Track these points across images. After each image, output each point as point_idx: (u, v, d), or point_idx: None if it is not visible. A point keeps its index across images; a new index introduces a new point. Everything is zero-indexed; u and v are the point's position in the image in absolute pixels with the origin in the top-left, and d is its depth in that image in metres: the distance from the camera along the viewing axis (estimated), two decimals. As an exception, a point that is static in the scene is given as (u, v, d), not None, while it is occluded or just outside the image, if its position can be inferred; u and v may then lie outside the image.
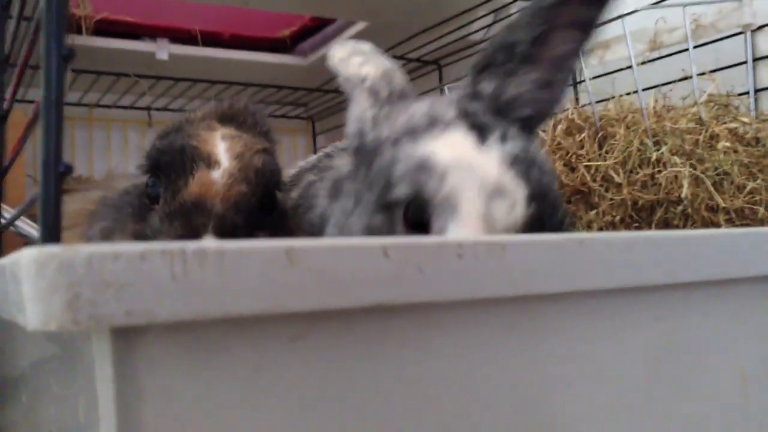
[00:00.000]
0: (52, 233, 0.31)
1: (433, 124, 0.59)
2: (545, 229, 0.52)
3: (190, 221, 0.51)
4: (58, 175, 0.31)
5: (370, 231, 0.56)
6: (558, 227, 0.54)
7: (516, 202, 0.52)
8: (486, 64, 0.62)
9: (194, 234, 0.50)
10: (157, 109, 1.99)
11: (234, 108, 0.67)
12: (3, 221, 0.63)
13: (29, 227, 0.63)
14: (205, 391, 0.34)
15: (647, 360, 0.46)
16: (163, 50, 1.72)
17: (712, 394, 0.49)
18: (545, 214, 0.53)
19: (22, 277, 0.30)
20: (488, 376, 0.40)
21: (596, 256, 0.41)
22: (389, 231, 0.55)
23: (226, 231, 0.51)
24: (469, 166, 0.53)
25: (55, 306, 0.29)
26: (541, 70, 0.62)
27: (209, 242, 0.32)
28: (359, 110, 0.64)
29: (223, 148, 0.56)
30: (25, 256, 0.30)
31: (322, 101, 2.11)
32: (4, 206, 0.66)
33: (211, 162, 0.54)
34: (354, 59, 0.67)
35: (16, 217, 0.56)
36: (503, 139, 0.56)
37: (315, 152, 2.34)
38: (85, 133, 1.98)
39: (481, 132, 0.56)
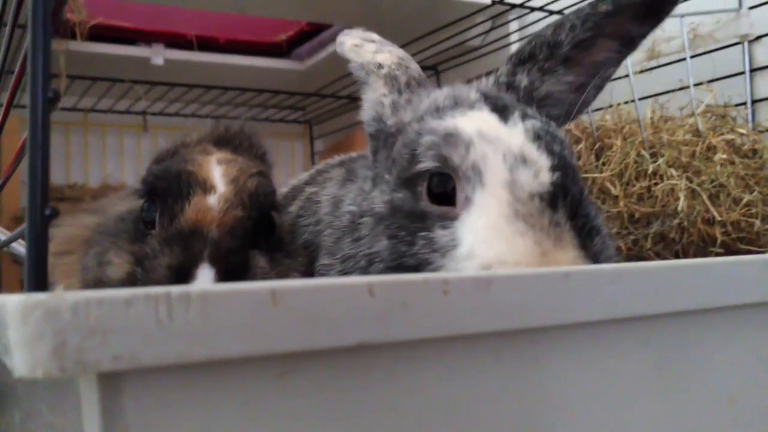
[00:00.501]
0: (39, 277, 0.31)
1: (457, 104, 0.60)
2: (567, 198, 0.53)
3: (187, 248, 0.51)
4: (44, 219, 0.31)
5: (393, 206, 0.57)
6: (579, 197, 0.54)
7: (540, 169, 0.53)
8: (527, 56, 0.64)
9: (191, 260, 0.50)
10: (153, 114, 1.99)
11: (230, 131, 0.67)
12: (-3, 241, 0.63)
13: (23, 248, 0.63)
14: (194, 429, 0.34)
15: (635, 387, 0.46)
16: (158, 55, 1.72)
17: (700, 419, 0.50)
18: (568, 182, 0.53)
19: (9, 323, 0.30)
20: (475, 410, 0.40)
21: (582, 288, 0.41)
22: (413, 205, 0.55)
23: (221, 257, 0.51)
24: (494, 137, 0.54)
25: (41, 353, 0.29)
26: (577, 74, 0.64)
27: (194, 286, 0.32)
28: (376, 96, 0.65)
29: (218, 173, 0.56)
30: (11, 302, 0.30)
31: (319, 105, 2.11)
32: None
33: (206, 187, 0.55)
34: (367, 46, 0.68)
35: (8, 242, 0.56)
36: (524, 117, 0.57)
37: (312, 156, 2.33)
38: (80, 138, 1.98)
39: (503, 112, 0.58)
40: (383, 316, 0.36)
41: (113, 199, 0.75)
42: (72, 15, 1.55)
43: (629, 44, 0.63)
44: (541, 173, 0.53)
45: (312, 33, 1.81)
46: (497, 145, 0.54)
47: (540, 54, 0.63)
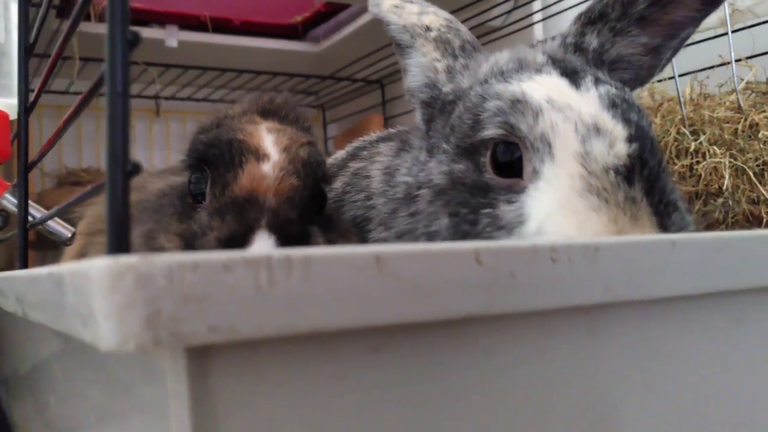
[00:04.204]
0: (121, 240, 0.28)
1: (522, 67, 0.56)
2: (645, 171, 0.49)
3: (243, 216, 0.48)
4: (126, 175, 0.28)
5: (453, 178, 0.53)
6: (657, 170, 0.50)
7: (615, 139, 0.49)
8: (597, 15, 0.59)
9: (247, 230, 0.47)
10: (166, 98, 1.95)
11: (275, 102, 0.64)
12: (31, 219, 0.60)
13: (59, 225, 0.60)
14: (282, 405, 0.31)
15: (727, 366, 0.44)
16: (172, 37, 1.67)
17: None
18: (645, 154, 0.49)
19: (94, 291, 0.27)
20: (574, 386, 0.37)
21: (688, 258, 0.39)
22: (475, 177, 0.52)
23: (280, 226, 0.48)
24: (564, 104, 0.50)
25: (133, 323, 0.26)
26: (652, 35, 0.59)
27: (294, 250, 0.29)
28: (426, 61, 0.61)
29: (270, 141, 0.53)
30: (97, 266, 0.27)
31: (334, 89, 2.07)
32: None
33: (260, 155, 0.51)
34: (409, 7, 0.64)
35: (49, 217, 0.52)
36: (597, 82, 0.53)
37: (325, 141, 2.29)
38: (92, 122, 1.93)
39: (573, 76, 0.54)
40: (490, 287, 0.33)
41: (148, 176, 0.71)
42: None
43: (711, 2, 0.59)
44: (616, 144, 0.49)
45: (328, 14, 1.76)
46: (568, 114, 0.50)
47: (612, 13, 0.58)
